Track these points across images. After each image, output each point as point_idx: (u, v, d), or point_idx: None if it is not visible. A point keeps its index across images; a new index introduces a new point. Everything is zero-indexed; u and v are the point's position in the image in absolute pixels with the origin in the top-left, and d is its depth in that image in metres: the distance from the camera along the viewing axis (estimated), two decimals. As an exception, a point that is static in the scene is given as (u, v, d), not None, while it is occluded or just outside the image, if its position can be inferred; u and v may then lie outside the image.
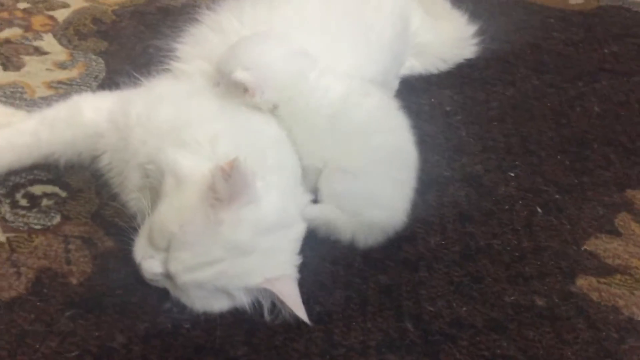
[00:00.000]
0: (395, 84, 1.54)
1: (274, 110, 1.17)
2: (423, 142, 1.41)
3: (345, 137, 1.15)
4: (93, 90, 1.43)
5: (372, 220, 1.13)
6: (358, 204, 1.13)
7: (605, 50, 1.84)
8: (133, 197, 1.11)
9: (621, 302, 1.10)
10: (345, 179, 1.13)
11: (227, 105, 1.14)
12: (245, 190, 0.95)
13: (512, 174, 1.36)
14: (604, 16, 2.01)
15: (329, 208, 1.13)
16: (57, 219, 1.15)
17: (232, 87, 1.14)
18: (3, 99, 1.38)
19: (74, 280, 1.04)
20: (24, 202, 1.17)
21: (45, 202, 1.18)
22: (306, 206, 1.11)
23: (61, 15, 1.73)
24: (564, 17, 1.98)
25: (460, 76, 1.67)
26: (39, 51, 1.58)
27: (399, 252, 1.15)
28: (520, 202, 1.29)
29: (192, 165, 1.01)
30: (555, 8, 2.03)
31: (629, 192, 1.34)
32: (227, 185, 0.94)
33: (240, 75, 1.11)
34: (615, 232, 1.24)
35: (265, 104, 1.16)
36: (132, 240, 1.02)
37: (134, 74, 1.27)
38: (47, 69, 1.51)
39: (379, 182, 1.14)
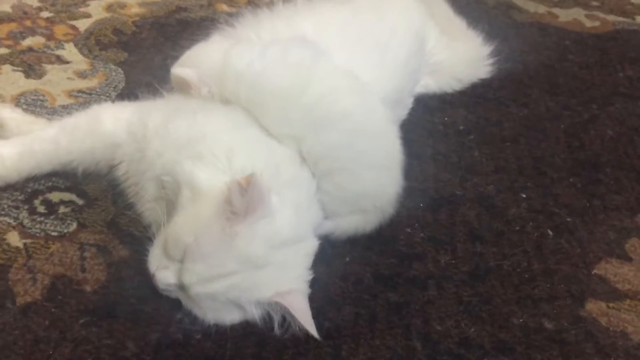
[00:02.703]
0: (409, 102, 1.55)
1: (242, 104, 1.14)
2: (435, 160, 1.43)
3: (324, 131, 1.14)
4: (112, 100, 1.46)
5: (377, 205, 1.18)
6: (361, 201, 1.17)
7: (620, 74, 1.84)
8: (148, 207, 1.13)
9: (630, 328, 1.10)
10: (342, 181, 1.15)
11: (242, 119, 1.15)
12: (260, 205, 0.96)
13: (524, 195, 1.36)
14: (619, 40, 2.02)
15: (344, 220, 1.17)
16: (74, 226, 1.17)
17: (180, 86, 1.13)
18: (24, 106, 1.41)
19: (88, 288, 1.06)
20: (41, 209, 1.19)
21: (62, 209, 1.20)
22: (320, 223, 1.13)
23: (83, 25, 1.76)
24: (579, 39, 1.99)
25: (475, 96, 1.68)
26: (60, 60, 1.60)
27: (409, 270, 1.16)
28: (531, 223, 1.29)
29: (208, 178, 1.02)
30: (571, 30, 2.04)
31: (641, 217, 1.34)
32: (243, 200, 0.95)
33: (176, 70, 1.11)
34: (625, 257, 1.24)
35: (219, 97, 1.14)
36: (147, 250, 1.04)
37: (154, 83, 1.30)
38: (67, 78, 1.54)
39: (370, 176, 1.16)
